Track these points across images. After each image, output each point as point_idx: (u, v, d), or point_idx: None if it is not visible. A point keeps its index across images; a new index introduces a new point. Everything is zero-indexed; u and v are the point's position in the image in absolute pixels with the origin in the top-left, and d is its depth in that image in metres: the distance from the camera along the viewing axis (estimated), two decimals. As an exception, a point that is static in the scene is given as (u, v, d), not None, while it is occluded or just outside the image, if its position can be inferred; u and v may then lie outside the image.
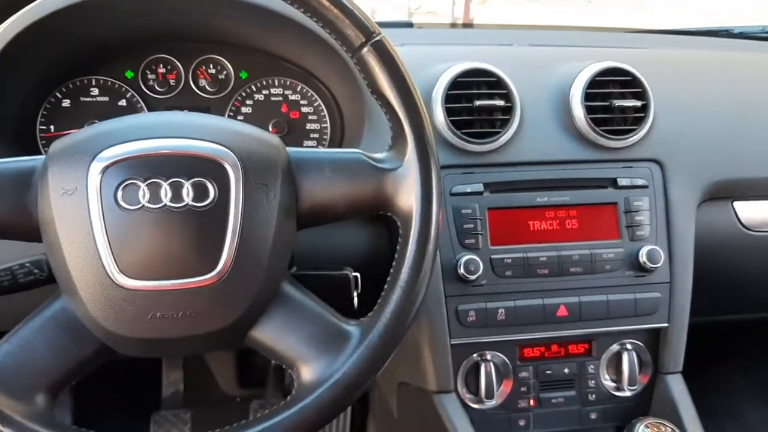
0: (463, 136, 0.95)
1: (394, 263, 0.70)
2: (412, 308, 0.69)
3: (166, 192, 0.63)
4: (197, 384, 1.56)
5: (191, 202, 0.63)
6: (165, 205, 0.63)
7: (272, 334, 0.68)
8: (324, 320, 0.69)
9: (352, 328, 0.70)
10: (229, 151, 0.66)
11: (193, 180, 0.64)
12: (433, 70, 0.99)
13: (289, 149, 0.72)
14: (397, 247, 0.70)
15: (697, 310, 1.02)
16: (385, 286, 0.70)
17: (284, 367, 0.70)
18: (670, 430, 0.77)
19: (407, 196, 0.70)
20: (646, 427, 0.78)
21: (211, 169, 0.65)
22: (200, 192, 0.64)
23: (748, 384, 1.78)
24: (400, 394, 1.09)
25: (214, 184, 0.64)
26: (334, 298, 0.81)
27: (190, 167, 0.64)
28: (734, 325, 1.62)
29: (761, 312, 1.34)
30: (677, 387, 1.00)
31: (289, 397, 0.68)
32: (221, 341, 0.69)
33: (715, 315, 1.31)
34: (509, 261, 0.95)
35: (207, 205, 0.64)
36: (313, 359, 0.68)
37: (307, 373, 0.68)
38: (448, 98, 0.95)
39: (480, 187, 0.96)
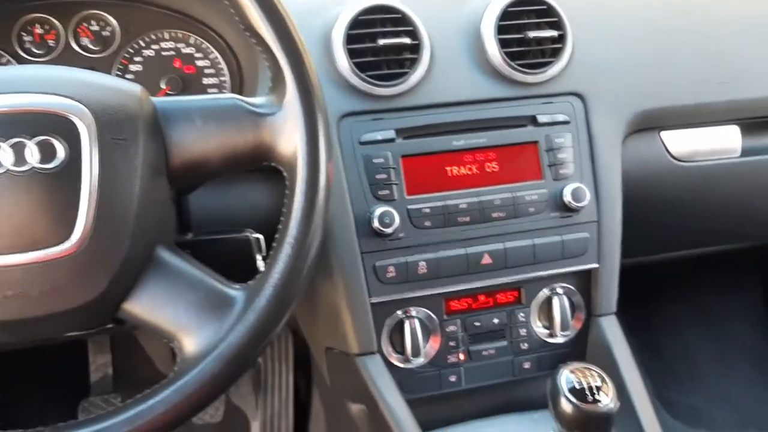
0: (369, 79, 0.88)
1: (281, 218, 0.64)
2: (303, 266, 0.62)
3: (6, 154, 0.55)
4: (128, 366, 1.49)
5: (37, 164, 0.56)
6: (7, 170, 0.55)
7: (147, 306, 0.62)
8: (205, 286, 0.63)
9: (236, 292, 0.63)
10: (78, 104, 0.58)
11: (37, 139, 0.56)
12: (333, 10, 0.91)
13: (155, 99, 0.64)
14: (285, 200, 0.64)
15: (632, 249, 0.98)
16: (273, 244, 0.63)
17: (166, 341, 0.63)
18: (597, 374, 0.72)
19: (288, 143, 0.63)
20: (572, 372, 0.73)
21: (58, 125, 0.57)
22: (47, 152, 0.56)
23: (696, 322, 1.78)
24: (328, 360, 1.04)
25: (63, 143, 0.57)
26: (236, 263, 0.75)
27: (33, 125, 0.57)
28: (677, 261, 1.60)
29: (698, 246, 1.31)
30: (611, 329, 0.96)
31: (172, 373, 0.61)
32: (90, 317, 0.62)
33: (652, 254, 1.28)
34: (427, 211, 0.89)
35: (56, 166, 0.56)
36: (194, 330, 0.61)
37: (189, 345, 0.61)
38: (350, 39, 0.88)
39: (392, 134, 0.89)
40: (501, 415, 0.98)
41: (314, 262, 0.63)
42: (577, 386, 0.71)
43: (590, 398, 0.70)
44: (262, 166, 0.67)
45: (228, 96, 0.66)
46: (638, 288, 1.77)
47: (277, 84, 0.65)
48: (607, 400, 0.70)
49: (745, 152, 1.04)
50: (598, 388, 0.71)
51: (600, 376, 0.72)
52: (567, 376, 0.72)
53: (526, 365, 0.97)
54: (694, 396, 1.71)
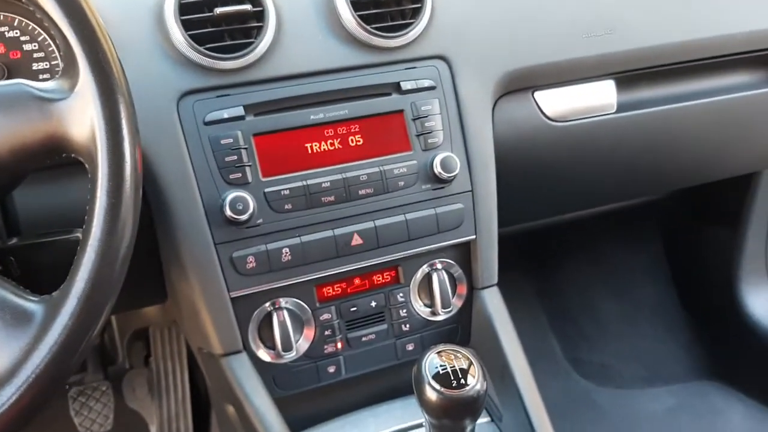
0: (209, 53, 0.80)
1: (86, 216, 0.56)
2: (110, 271, 0.55)
3: None
4: None
5: None
6: None
7: None
8: None
9: (36, 306, 0.55)
10: None
11: None
12: None
13: None
14: (88, 196, 0.56)
15: (515, 216, 0.93)
16: (78, 247, 0.56)
17: None
18: (463, 356, 0.67)
19: (84, 129, 0.55)
20: (438, 355, 0.68)
21: None
22: None
23: (603, 282, 1.78)
24: (203, 360, 0.96)
25: None
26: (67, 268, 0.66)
27: None
28: (583, 223, 1.59)
29: (583, 208, 1.28)
30: (492, 301, 0.92)
31: None
32: None
33: (537, 219, 1.25)
34: (287, 192, 0.82)
35: None
36: None
37: None
38: (184, 9, 0.80)
39: (240, 111, 0.81)
40: (381, 404, 0.93)
41: (124, 264, 0.56)
42: (442, 371, 0.66)
43: (455, 383, 0.65)
44: (64, 159, 0.59)
45: (14, 81, 0.58)
46: (546, 251, 1.76)
47: (69, 65, 0.57)
48: (474, 382, 0.66)
49: (621, 107, 1.01)
50: (464, 372, 0.66)
51: (467, 357, 0.67)
52: (432, 361, 0.67)
53: (410, 347, 0.92)
54: (603, 355, 1.71)
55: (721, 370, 1.62)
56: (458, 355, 0.67)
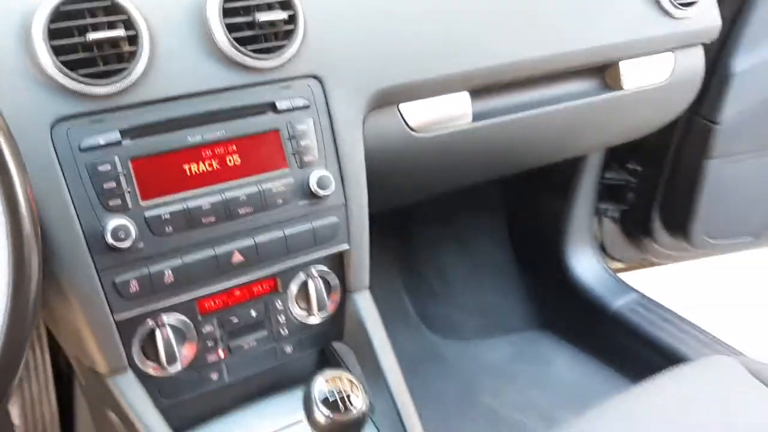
0: (82, 78, 0.78)
1: None
2: (20, 336, 0.56)
3: None
4: None
5: None
6: None
7: None
8: None
9: None
10: None
11: None
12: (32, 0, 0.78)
13: None
14: None
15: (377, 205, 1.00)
16: None
17: None
18: (348, 380, 0.75)
19: None
20: (325, 382, 0.75)
21: None
22: None
23: (450, 242, 1.92)
24: (78, 366, 0.97)
25: None
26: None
27: None
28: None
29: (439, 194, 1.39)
30: (364, 303, 1.00)
31: None
32: None
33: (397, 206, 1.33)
34: (167, 216, 0.83)
35: None
36: None
37: None
38: (53, 34, 0.77)
39: (116, 136, 0.80)
40: (261, 401, 1.00)
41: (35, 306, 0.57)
42: (330, 398, 0.73)
43: (342, 408, 0.73)
44: None
45: None
46: (402, 216, 1.87)
47: None
48: (359, 403, 0.74)
49: (476, 117, 1.10)
50: (349, 397, 0.74)
51: (350, 381, 0.75)
52: (319, 388, 0.74)
53: (288, 349, 0.99)
54: (449, 309, 1.87)
55: (551, 321, 1.84)
56: (343, 380, 0.75)
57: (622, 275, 1.86)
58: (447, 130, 1.08)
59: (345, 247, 0.96)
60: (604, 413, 1.05)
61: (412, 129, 1.05)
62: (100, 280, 0.81)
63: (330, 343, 1.03)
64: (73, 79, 0.77)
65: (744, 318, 2.14)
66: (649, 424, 1.03)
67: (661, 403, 1.07)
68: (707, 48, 1.32)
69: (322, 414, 0.73)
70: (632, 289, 1.79)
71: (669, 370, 1.12)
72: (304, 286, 0.97)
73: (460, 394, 1.65)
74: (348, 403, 0.73)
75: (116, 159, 0.80)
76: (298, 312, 0.98)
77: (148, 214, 0.82)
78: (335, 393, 0.74)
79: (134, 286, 0.82)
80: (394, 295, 1.82)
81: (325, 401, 0.73)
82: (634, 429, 1.01)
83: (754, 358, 1.14)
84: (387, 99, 1.00)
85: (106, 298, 0.81)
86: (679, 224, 1.72)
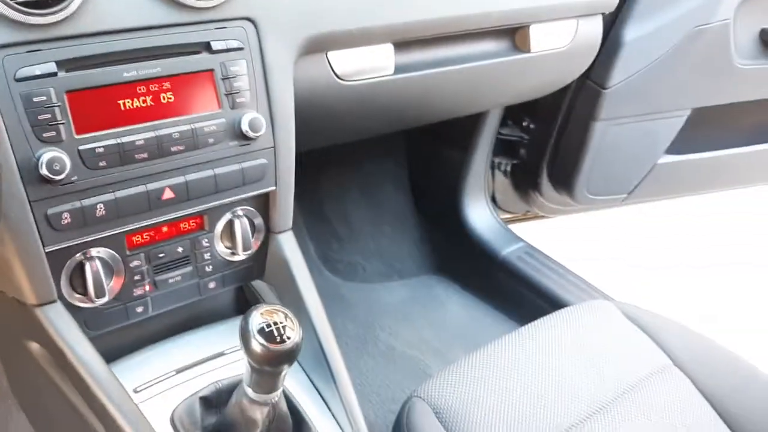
0: (19, 7, 0.76)
1: None
2: None
3: None
4: None
5: None
6: None
7: None
8: None
9: None
10: None
11: None
12: None
13: None
14: None
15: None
16: None
17: None
18: (282, 313, 0.80)
19: None
20: (261, 315, 0.79)
21: None
22: None
23: (355, 188, 1.98)
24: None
25: None
26: None
27: None
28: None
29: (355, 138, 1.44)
30: (287, 244, 1.04)
31: None
32: None
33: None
34: (101, 150, 0.84)
35: None
36: None
37: None
38: None
39: (52, 67, 0.80)
40: (189, 331, 1.03)
41: None
42: (266, 328, 0.78)
43: (278, 338, 0.78)
44: None
45: None
46: (308, 159, 1.90)
47: None
48: (293, 335, 0.79)
49: (398, 69, 1.15)
50: (285, 327, 0.79)
51: (285, 314, 0.80)
52: (256, 319, 0.79)
53: (212, 285, 1.02)
54: (351, 253, 1.94)
55: (445, 266, 1.95)
56: (278, 313, 0.80)
57: (511, 226, 1.99)
58: (370, 79, 1.13)
59: (272, 188, 1.00)
60: (494, 351, 1.16)
61: (338, 77, 1.09)
62: (32, 211, 0.81)
63: (251, 280, 1.07)
64: (11, 7, 0.76)
65: (615, 268, 2.36)
66: (533, 362, 1.15)
67: (545, 343, 1.20)
68: (603, 17, 1.43)
69: (258, 344, 0.77)
70: (520, 238, 1.93)
71: (552, 313, 1.25)
72: (229, 225, 1.00)
73: (360, 333, 1.74)
74: (283, 334, 0.78)
75: (52, 91, 0.80)
76: (222, 250, 1.01)
77: (82, 147, 0.82)
78: (271, 324, 0.78)
79: (66, 219, 0.83)
80: (298, 237, 1.86)
81: (261, 332, 0.77)
82: (520, 366, 1.12)
83: (625, 302, 1.29)
84: (316, 46, 1.03)
85: (38, 230, 0.82)
86: (564, 180, 1.85)
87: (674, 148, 1.78)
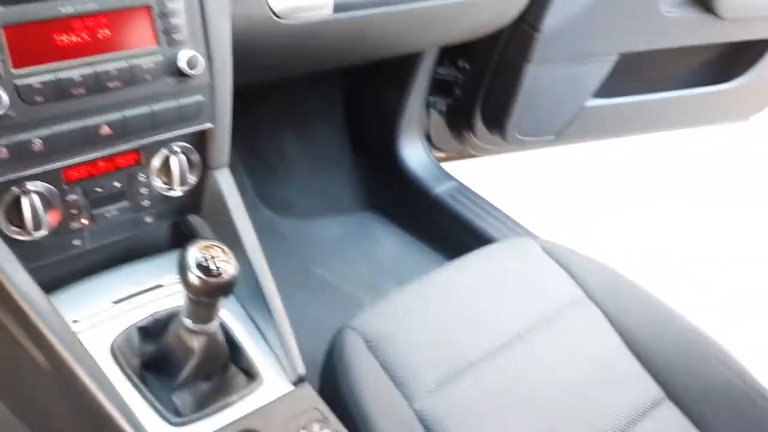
0: None
1: None
2: None
3: None
4: None
5: None
6: None
7: None
8: None
9: None
10: None
11: None
12: None
13: None
14: None
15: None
16: None
17: None
18: (219, 248, 0.83)
19: None
20: (198, 250, 0.83)
21: None
22: None
23: (290, 123, 1.99)
24: None
25: None
26: None
27: None
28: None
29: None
30: (224, 180, 1.06)
31: None
32: None
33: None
34: (38, 86, 0.84)
35: None
36: None
37: None
38: None
39: None
40: (127, 264, 1.06)
41: None
42: (203, 262, 0.81)
43: (215, 272, 0.81)
44: None
45: None
46: (243, 96, 1.90)
47: None
48: (229, 269, 0.83)
49: (337, 8, 1.17)
50: (221, 261, 0.82)
51: (222, 249, 0.84)
52: (194, 254, 0.82)
53: (148, 219, 1.04)
54: (288, 190, 1.97)
55: (380, 204, 2.00)
56: (215, 248, 0.83)
57: (444, 165, 2.05)
58: (308, 18, 1.14)
59: (209, 125, 1.01)
60: (422, 284, 1.23)
61: (276, 15, 1.10)
62: None
63: (188, 215, 1.10)
64: None
65: (540, 206, 2.46)
66: (459, 294, 1.22)
67: (470, 277, 1.27)
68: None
69: (195, 277, 0.81)
70: (452, 177, 1.99)
71: (478, 249, 1.32)
72: (166, 161, 1.01)
73: (295, 268, 1.78)
74: (219, 268, 0.82)
75: None
76: (159, 185, 1.03)
77: (19, 82, 0.82)
78: (208, 259, 0.82)
79: (3, 153, 0.84)
80: (234, 174, 1.88)
81: (199, 266, 0.81)
82: (446, 299, 1.20)
83: (547, 239, 1.37)
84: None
85: None
86: (496, 121, 1.91)
87: (602, 92, 1.85)
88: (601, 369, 1.16)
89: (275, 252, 1.80)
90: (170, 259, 0.90)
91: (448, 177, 1.99)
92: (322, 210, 1.96)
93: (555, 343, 1.18)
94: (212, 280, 0.81)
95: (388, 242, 1.90)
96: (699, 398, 1.15)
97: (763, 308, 2.30)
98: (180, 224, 1.12)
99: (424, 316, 1.17)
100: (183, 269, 0.82)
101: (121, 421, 0.84)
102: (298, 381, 0.95)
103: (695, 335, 1.23)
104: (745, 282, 2.39)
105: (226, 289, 0.83)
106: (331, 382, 1.06)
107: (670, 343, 1.21)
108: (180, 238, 1.12)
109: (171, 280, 1.03)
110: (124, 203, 1.00)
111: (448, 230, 1.87)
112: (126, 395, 0.88)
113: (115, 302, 0.99)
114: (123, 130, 0.93)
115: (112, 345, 0.93)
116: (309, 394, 0.93)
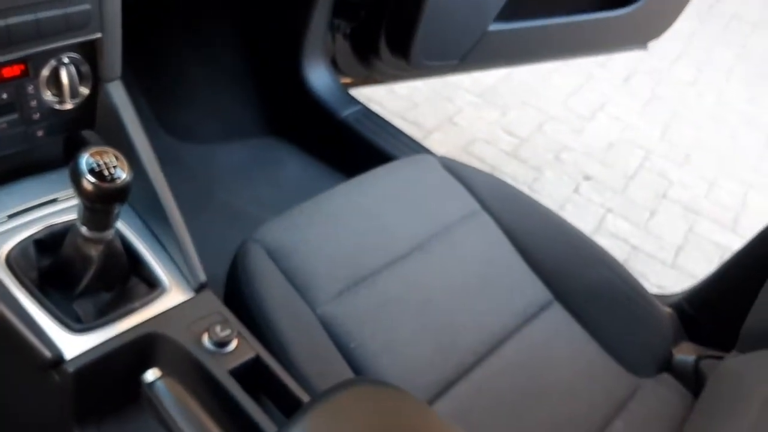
0: None
1: None
2: None
3: None
4: None
5: None
6: None
7: None
8: None
9: None
10: None
11: None
12: None
13: None
14: None
15: None
16: None
17: None
18: (112, 154, 0.83)
19: None
20: (91, 156, 0.82)
21: None
22: None
23: (192, 45, 1.93)
24: None
25: None
26: None
27: None
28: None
29: None
30: (117, 93, 1.04)
31: None
32: None
33: None
34: None
35: None
36: None
37: None
38: None
39: None
40: (20, 180, 1.03)
41: None
42: (96, 168, 0.81)
43: (108, 177, 0.81)
44: None
45: None
46: (137, 17, 1.83)
47: None
48: (123, 174, 0.82)
49: None
50: (115, 167, 0.82)
51: (115, 155, 0.83)
52: (87, 160, 0.81)
53: (40, 133, 1.01)
54: (188, 114, 1.93)
55: (285, 128, 2.00)
56: (108, 154, 0.83)
57: (350, 91, 2.05)
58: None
59: (98, 35, 0.98)
60: (324, 199, 1.26)
61: None
62: None
63: (81, 129, 1.07)
64: None
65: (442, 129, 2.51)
66: (359, 207, 1.25)
67: (371, 191, 1.30)
68: None
69: (89, 182, 0.80)
70: (358, 101, 2.00)
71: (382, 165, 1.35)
72: (55, 73, 0.98)
73: (197, 194, 1.77)
74: (113, 173, 0.81)
75: None
76: (49, 98, 0.99)
77: None
78: (101, 164, 0.81)
79: None
80: (131, 97, 1.82)
81: (92, 171, 0.80)
82: (347, 211, 1.23)
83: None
84: None
85: None
86: (401, 44, 1.91)
87: (504, 15, 1.87)
88: (495, 274, 1.23)
89: (175, 177, 1.76)
90: (65, 175, 0.88)
91: (354, 101, 2.00)
92: (224, 135, 1.94)
93: (452, 252, 1.23)
94: (106, 185, 0.81)
95: (293, 165, 1.91)
96: (584, 299, 1.24)
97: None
98: (74, 140, 1.09)
99: (326, 228, 1.20)
100: (76, 175, 0.81)
101: (22, 329, 0.84)
102: (200, 288, 0.96)
103: (581, 241, 1.32)
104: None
105: (121, 194, 0.83)
106: (235, 292, 1.09)
107: (558, 249, 1.29)
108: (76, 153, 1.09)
109: (66, 194, 1.01)
110: (14, 116, 0.97)
111: (353, 153, 1.90)
112: (25, 306, 0.87)
113: (9, 216, 0.97)
114: (7, 39, 0.89)
115: (7, 257, 0.91)
116: (211, 299, 0.95)
